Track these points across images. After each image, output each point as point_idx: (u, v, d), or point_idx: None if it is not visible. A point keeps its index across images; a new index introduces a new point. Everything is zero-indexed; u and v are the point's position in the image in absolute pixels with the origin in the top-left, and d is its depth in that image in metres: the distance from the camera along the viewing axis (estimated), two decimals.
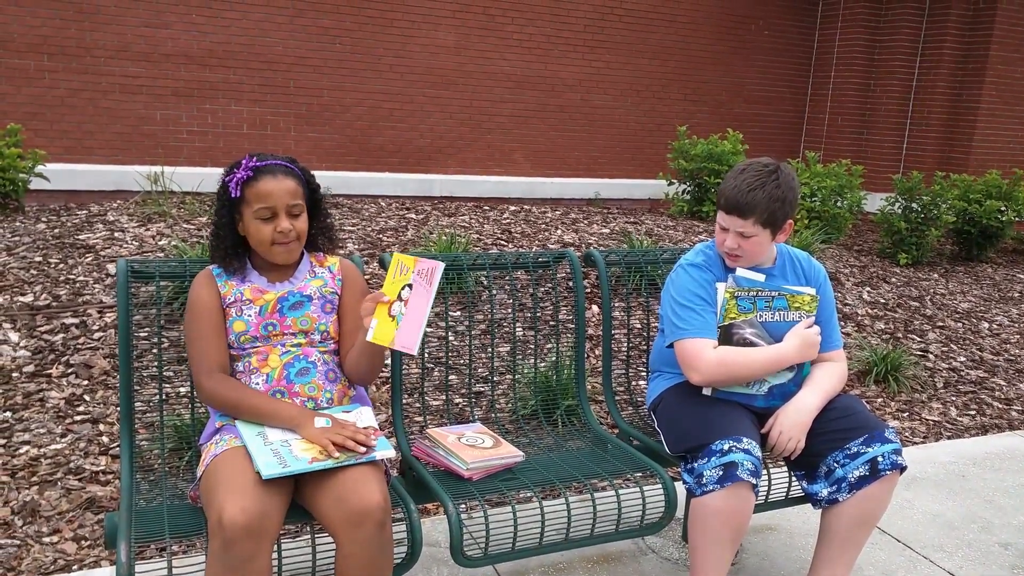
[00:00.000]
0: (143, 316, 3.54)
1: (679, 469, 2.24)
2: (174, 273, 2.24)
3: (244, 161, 2.00)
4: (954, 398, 4.37)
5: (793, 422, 2.24)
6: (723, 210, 2.27)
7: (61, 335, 3.47)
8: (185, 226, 4.62)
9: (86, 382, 3.27)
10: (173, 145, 6.35)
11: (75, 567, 2.45)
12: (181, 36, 6.21)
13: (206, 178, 6.12)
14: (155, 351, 3.35)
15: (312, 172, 2.15)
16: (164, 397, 2.29)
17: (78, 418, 3.09)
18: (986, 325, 5.50)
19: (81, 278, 3.86)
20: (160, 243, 4.32)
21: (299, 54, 6.63)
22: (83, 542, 2.55)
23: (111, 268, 3.97)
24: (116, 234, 4.38)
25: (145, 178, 5.94)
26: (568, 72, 7.77)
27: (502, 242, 5.18)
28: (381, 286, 4.31)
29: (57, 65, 5.88)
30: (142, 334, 3.42)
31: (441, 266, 1.91)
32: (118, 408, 3.17)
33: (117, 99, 6.11)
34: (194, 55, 6.28)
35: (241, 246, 2.07)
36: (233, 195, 1.98)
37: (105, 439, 3.02)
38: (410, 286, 1.95)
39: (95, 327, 3.55)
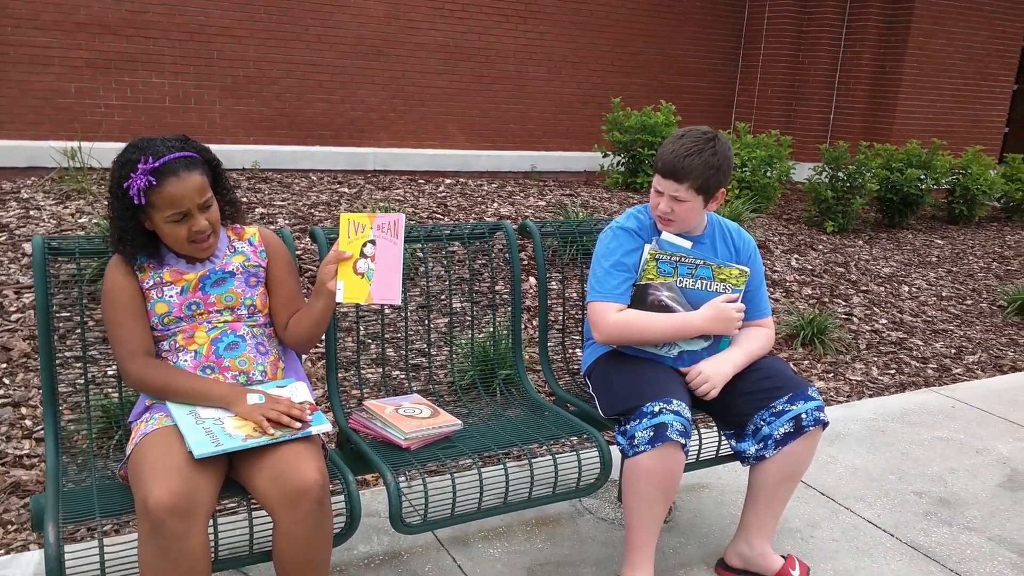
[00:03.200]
0: (64, 296, 3.42)
1: (614, 433, 2.29)
2: (96, 251, 2.17)
3: (140, 164, 1.82)
4: (876, 359, 4.55)
5: (714, 368, 2.31)
6: (659, 174, 2.30)
7: None
8: (106, 203, 4.47)
9: (5, 365, 3.15)
10: (90, 119, 6.11)
11: (2, 551, 2.38)
12: (95, 4, 5.96)
13: None
14: (78, 331, 3.25)
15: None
16: (90, 378, 2.23)
17: None
18: (906, 289, 5.72)
19: None
20: (80, 221, 4.17)
21: (223, 24, 6.44)
22: (9, 526, 2.48)
23: (27, 247, 3.82)
24: (32, 212, 4.21)
25: (61, 154, 5.71)
26: (502, 43, 7.73)
27: (438, 215, 5.16)
28: (313, 259, 4.22)
29: None
30: (64, 314, 3.31)
31: (403, 217, 1.90)
32: (40, 391, 3.07)
33: (27, 70, 5.83)
34: (110, 24, 6.03)
35: (152, 241, 1.95)
36: (137, 203, 1.84)
37: (28, 422, 2.93)
38: (372, 242, 1.94)
39: (12, 308, 3.42)
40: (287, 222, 4.59)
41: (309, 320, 2.05)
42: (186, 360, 1.95)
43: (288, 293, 2.12)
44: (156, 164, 1.82)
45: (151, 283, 1.96)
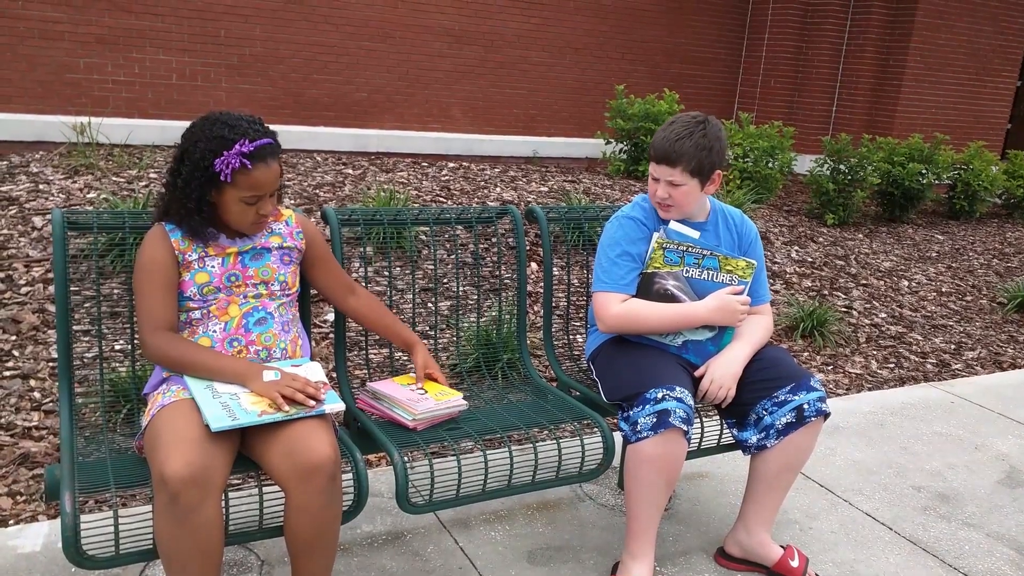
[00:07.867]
0: (72, 270, 3.44)
1: (617, 419, 2.32)
2: (112, 226, 2.19)
3: (237, 145, 1.86)
4: (875, 352, 4.59)
5: (724, 372, 2.33)
6: (654, 160, 2.33)
7: None
8: (115, 179, 4.48)
9: (14, 337, 3.18)
10: (98, 95, 6.11)
11: (11, 522, 2.41)
12: None
13: (135, 129, 5.91)
14: (87, 305, 3.27)
15: None
16: (100, 352, 2.26)
17: (7, 373, 3.01)
18: (906, 283, 5.76)
19: (4, 231, 3.72)
20: (89, 196, 4.18)
21: (230, 3, 6.42)
22: (18, 497, 2.51)
23: (37, 221, 3.83)
24: (41, 186, 4.22)
25: (70, 128, 5.70)
26: (507, 28, 7.71)
27: (441, 199, 5.17)
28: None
29: None
30: (72, 288, 3.33)
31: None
32: (49, 363, 3.10)
33: (37, 45, 5.82)
34: (119, 0, 6.02)
35: (216, 219, 2.01)
36: (223, 180, 1.88)
37: (37, 394, 2.96)
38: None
39: (22, 281, 3.44)
40: (293, 202, 4.60)
41: (385, 334, 2.37)
42: (215, 330, 1.98)
43: (335, 268, 2.27)
44: (251, 148, 1.88)
45: (195, 255, 1.99)
